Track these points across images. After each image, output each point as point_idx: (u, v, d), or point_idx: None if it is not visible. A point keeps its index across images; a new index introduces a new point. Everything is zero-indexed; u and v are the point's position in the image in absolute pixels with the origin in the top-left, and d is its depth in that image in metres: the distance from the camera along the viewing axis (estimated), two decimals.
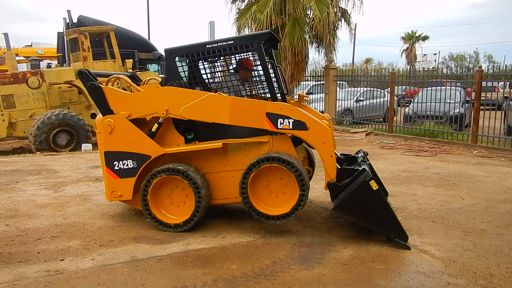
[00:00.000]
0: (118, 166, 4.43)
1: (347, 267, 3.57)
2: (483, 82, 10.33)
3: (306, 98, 5.36)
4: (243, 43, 4.42)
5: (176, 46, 4.55)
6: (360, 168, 4.23)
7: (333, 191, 4.32)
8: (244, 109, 4.24)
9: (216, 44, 4.42)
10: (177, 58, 4.50)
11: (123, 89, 6.15)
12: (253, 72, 5.01)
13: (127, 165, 4.42)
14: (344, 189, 4.16)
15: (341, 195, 4.16)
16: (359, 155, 5.01)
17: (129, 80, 4.77)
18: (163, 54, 4.61)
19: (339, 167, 4.45)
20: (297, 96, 5.32)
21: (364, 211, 4.09)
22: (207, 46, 4.46)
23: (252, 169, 4.17)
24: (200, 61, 4.65)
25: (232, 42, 4.39)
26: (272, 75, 4.62)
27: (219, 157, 4.49)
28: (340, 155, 4.96)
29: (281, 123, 4.19)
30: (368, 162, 4.90)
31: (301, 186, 4.11)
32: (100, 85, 4.46)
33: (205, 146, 4.41)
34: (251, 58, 4.82)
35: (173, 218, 4.41)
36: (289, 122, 4.18)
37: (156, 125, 4.41)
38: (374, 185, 3.99)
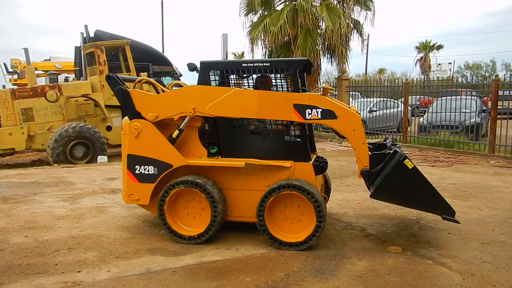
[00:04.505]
0: (139, 170, 4.48)
1: (362, 280, 3.54)
2: (500, 91, 10.23)
3: (331, 90, 5.25)
4: (279, 67, 4.49)
5: (212, 60, 4.66)
6: (391, 151, 4.19)
7: (367, 179, 4.27)
8: (271, 101, 4.21)
9: (252, 64, 4.49)
10: (211, 72, 4.56)
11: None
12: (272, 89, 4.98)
13: (148, 170, 4.46)
14: (379, 175, 4.09)
15: (376, 181, 4.10)
16: (388, 141, 4.96)
17: (156, 82, 4.86)
18: (198, 65, 4.68)
19: (370, 153, 4.36)
20: (321, 88, 5.20)
21: (403, 192, 4.02)
22: (243, 64, 4.57)
23: (272, 193, 4.16)
24: (231, 76, 4.73)
25: (268, 64, 4.45)
26: None
27: (239, 175, 4.47)
28: (368, 144, 4.84)
29: (309, 114, 4.14)
30: (398, 145, 4.80)
31: (319, 217, 4.08)
32: (127, 88, 4.55)
33: (227, 164, 4.40)
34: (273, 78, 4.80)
35: (188, 230, 4.44)
36: (317, 112, 4.14)
37: (176, 132, 4.45)
38: (409, 163, 3.91)
